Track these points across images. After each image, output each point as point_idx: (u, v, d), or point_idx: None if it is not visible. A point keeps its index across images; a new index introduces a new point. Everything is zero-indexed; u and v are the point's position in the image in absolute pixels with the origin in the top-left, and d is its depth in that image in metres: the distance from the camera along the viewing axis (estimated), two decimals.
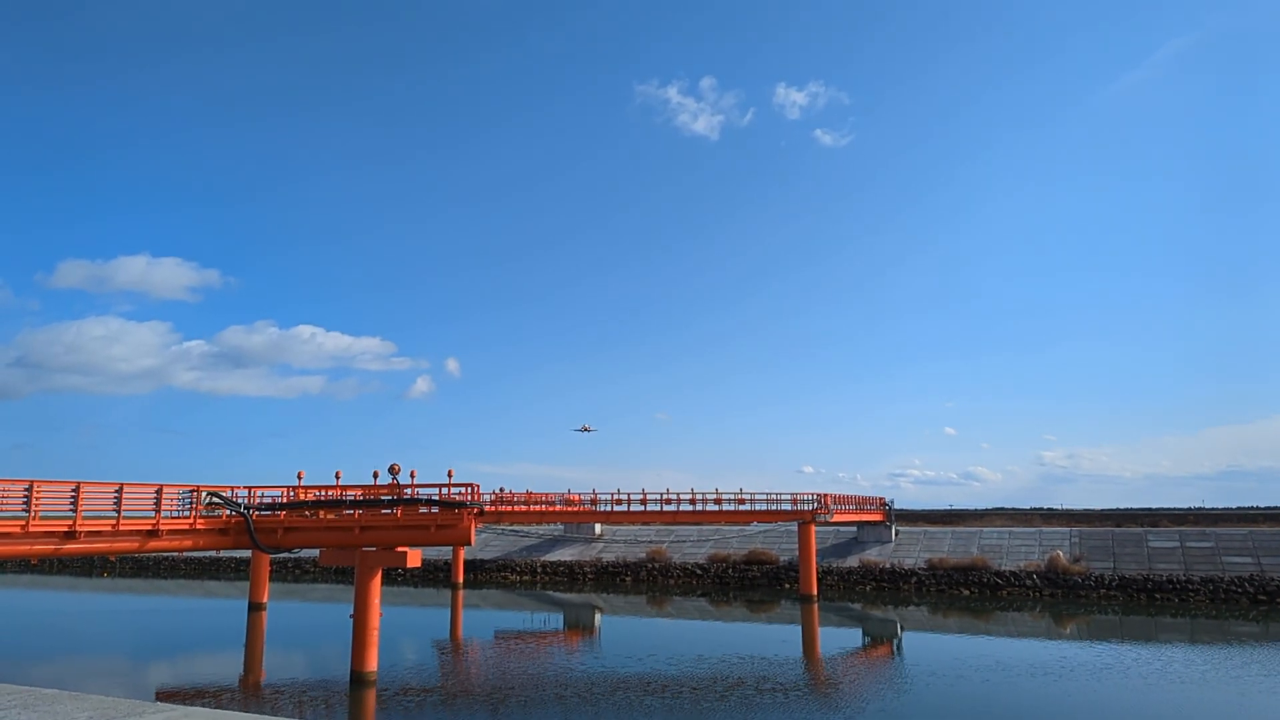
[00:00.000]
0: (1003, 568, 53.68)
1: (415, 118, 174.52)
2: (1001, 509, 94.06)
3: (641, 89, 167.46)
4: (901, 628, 42.45)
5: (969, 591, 52.13)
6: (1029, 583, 51.63)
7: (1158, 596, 48.38)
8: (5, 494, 21.79)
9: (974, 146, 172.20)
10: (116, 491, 24.11)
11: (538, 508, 54.77)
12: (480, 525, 60.75)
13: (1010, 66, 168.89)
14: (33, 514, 22.15)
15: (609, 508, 55.02)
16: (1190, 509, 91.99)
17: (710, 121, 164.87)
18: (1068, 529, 60.95)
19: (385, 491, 28.57)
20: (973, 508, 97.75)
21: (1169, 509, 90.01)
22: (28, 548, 22.59)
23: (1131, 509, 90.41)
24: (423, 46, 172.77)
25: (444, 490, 28.14)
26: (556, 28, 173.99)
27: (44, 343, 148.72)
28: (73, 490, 22.97)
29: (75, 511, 23.02)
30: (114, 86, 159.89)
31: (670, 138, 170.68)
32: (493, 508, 51.06)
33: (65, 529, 22.99)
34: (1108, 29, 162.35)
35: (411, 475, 28.86)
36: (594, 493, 55.72)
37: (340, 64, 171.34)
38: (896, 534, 61.39)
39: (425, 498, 28.16)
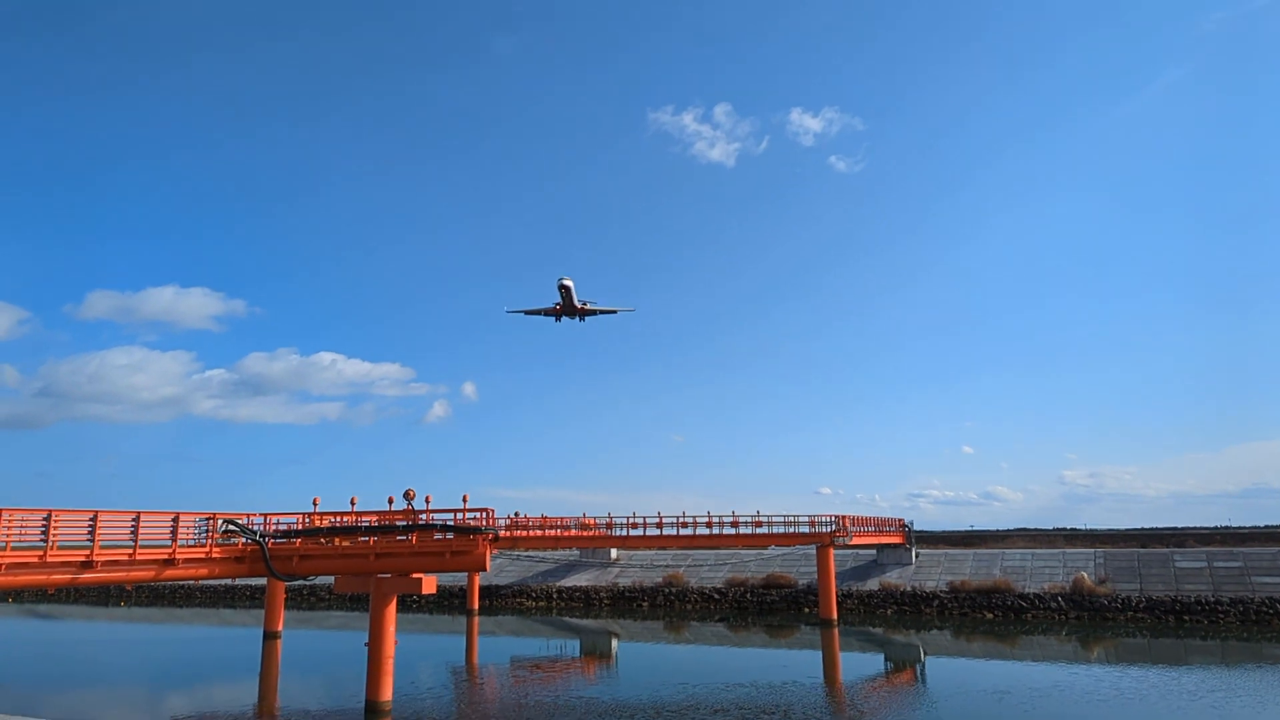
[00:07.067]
0: (1026, 590, 52.73)
1: (430, 148, 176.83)
2: (1024, 530, 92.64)
3: (655, 116, 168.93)
4: (924, 653, 41.67)
5: (992, 615, 51.18)
6: (1054, 605, 50.63)
7: (1186, 618, 47.29)
8: (24, 524, 21.85)
9: (984, 172, 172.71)
10: (134, 520, 24.13)
11: (553, 532, 54.40)
12: (495, 551, 60.45)
13: (1018, 91, 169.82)
14: (51, 543, 22.17)
15: (624, 532, 54.59)
16: (1217, 528, 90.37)
17: (726, 149, 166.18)
18: (1092, 550, 59.91)
19: (400, 517, 28.45)
20: (994, 529, 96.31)
21: (1195, 528, 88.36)
22: (45, 577, 22.58)
23: (1156, 529, 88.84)
24: (435, 75, 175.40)
25: (459, 516, 28.00)
26: (572, 57, 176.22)
27: (68, 373, 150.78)
28: (90, 519, 23.00)
29: (93, 540, 23.04)
30: (144, 110, 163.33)
31: (687, 165, 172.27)
32: (508, 533, 50.77)
33: (82, 558, 22.98)
34: (1113, 53, 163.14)
35: (427, 500, 28.77)
36: (609, 516, 55.34)
37: (360, 92, 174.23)
38: (917, 556, 60.52)
39: (440, 524, 28.03)
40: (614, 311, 54.20)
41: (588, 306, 52.65)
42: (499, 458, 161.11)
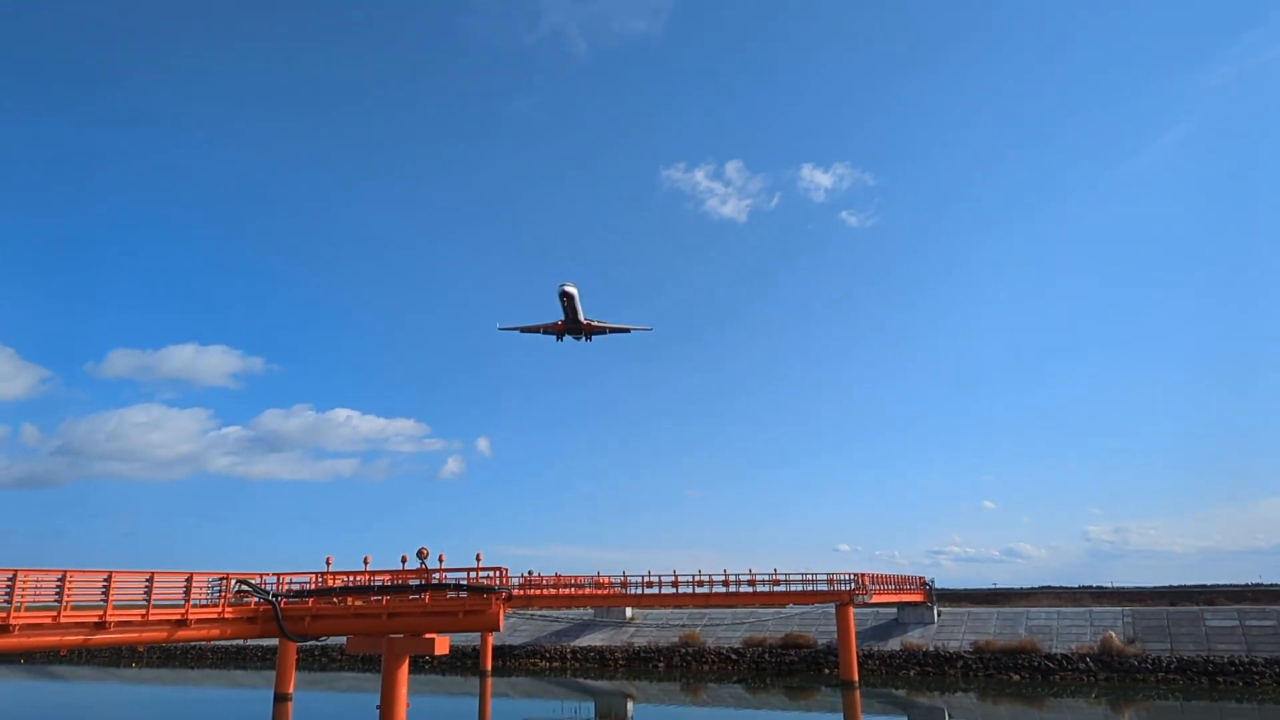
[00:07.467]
0: (1053, 650, 51.23)
1: (446, 209, 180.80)
2: (1048, 587, 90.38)
3: (667, 173, 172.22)
4: (949, 716, 40.45)
5: (1019, 676, 49.68)
6: (1082, 666, 49.12)
7: (1220, 680, 45.67)
8: (39, 584, 21.91)
9: (999, 227, 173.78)
10: (147, 580, 24.14)
11: (567, 591, 53.67)
12: (509, 610, 59.54)
13: (1023, 149, 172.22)
14: (65, 604, 22.19)
15: (640, 590, 53.72)
16: (1248, 585, 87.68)
17: (738, 205, 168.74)
18: (1120, 608, 58.29)
19: (413, 577, 28.27)
20: (1017, 586, 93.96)
21: (1225, 585, 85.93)
22: (58, 638, 22.55)
23: (1185, 586, 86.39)
24: (452, 137, 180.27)
25: (472, 574, 27.80)
26: (585, 117, 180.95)
27: (86, 431, 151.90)
28: (104, 580, 23.04)
29: (106, 601, 23.04)
30: (163, 173, 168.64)
31: (700, 221, 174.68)
32: (521, 592, 50.18)
33: (96, 619, 22.97)
34: (1115, 114, 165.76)
35: (440, 559, 28.61)
36: (624, 575, 54.52)
37: (379, 155, 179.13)
38: (939, 615, 59.12)
39: (453, 583, 27.82)
40: (627, 330, 45.66)
41: (594, 324, 44.30)
42: (513, 515, 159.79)
